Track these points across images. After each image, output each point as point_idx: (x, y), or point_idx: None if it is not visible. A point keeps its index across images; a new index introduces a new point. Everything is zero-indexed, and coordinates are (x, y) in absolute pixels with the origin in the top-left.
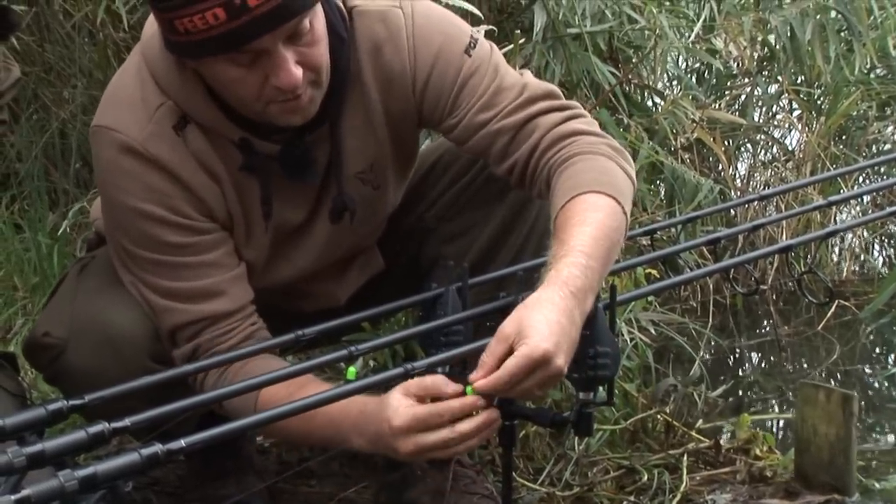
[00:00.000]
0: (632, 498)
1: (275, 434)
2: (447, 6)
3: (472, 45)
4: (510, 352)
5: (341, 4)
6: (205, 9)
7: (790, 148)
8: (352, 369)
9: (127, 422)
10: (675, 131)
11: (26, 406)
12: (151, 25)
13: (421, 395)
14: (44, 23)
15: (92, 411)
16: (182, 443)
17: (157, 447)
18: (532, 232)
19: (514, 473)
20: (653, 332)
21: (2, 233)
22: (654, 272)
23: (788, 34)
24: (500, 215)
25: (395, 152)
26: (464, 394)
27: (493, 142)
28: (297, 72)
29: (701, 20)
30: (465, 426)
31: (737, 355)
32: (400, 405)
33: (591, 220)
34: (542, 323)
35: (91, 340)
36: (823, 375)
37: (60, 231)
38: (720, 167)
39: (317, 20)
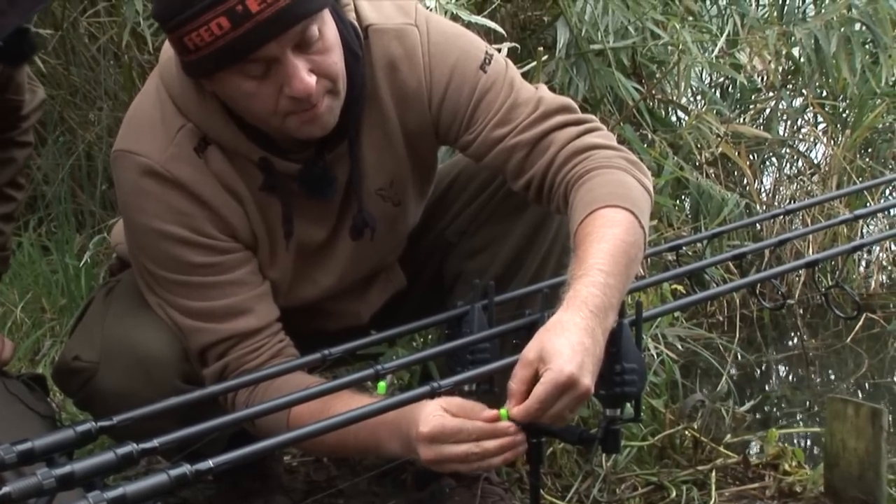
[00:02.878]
0: None
1: (309, 447)
2: (469, 24)
3: (487, 61)
4: (536, 376)
5: (356, 23)
6: (209, 20)
7: (816, 161)
8: (382, 384)
9: (155, 443)
10: (699, 146)
11: (56, 428)
12: (168, 49)
13: (457, 413)
14: (69, 46)
15: (121, 432)
16: (210, 463)
17: (186, 468)
18: (553, 246)
19: (541, 491)
20: (679, 347)
21: (29, 255)
22: (679, 288)
23: (813, 47)
24: (520, 230)
25: (414, 169)
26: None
27: (509, 157)
28: (310, 79)
29: (724, 35)
30: (488, 443)
31: (764, 370)
32: (432, 413)
33: (608, 237)
34: (565, 346)
35: (121, 363)
36: (852, 389)
37: (84, 260)
38: (745, 182)
39: (326, 28)
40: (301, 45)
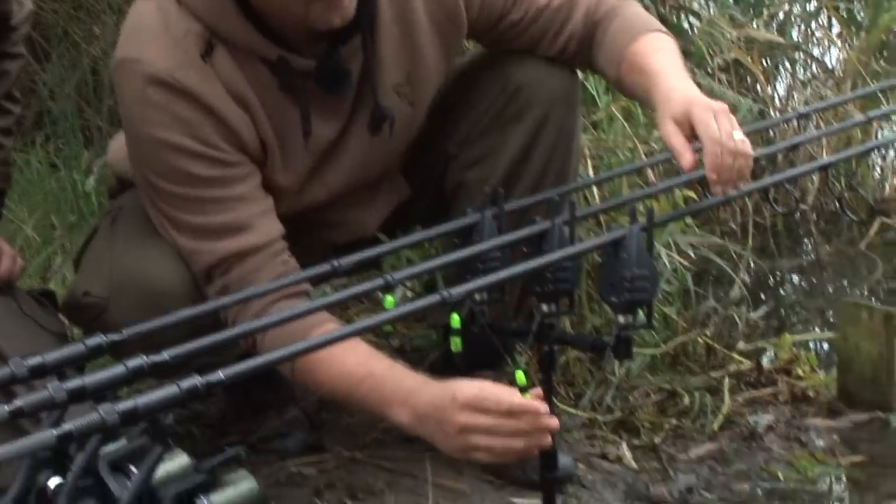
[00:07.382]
0: (673, 421)
1: (312, 384)
2: None
3: None
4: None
5: None
6: None
7: (830, 66)
8: (389, 298)
9: (165, 355)
10: (711, 52)
11: (66, 343)
12: None
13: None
14: None
15: (132, 348)
16: (221, 375)
17: (197, 379)
18: (553, 153)
19: (554, 399)
20: (692, 255)
21: (38, 172)
22: (692, 194)
23: None
24: (518, 138)
25: (436, 65)
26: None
27: (552, 19)
28: None
29: None
30: (518, 422)
31: (777, 276)
32: (471, 384)
33: (665, 48)
34: (693, 91)
35: (132, 297)
36: (866, 294)
37: (92, 178)
38: (758, 87)
39: None
40: None
